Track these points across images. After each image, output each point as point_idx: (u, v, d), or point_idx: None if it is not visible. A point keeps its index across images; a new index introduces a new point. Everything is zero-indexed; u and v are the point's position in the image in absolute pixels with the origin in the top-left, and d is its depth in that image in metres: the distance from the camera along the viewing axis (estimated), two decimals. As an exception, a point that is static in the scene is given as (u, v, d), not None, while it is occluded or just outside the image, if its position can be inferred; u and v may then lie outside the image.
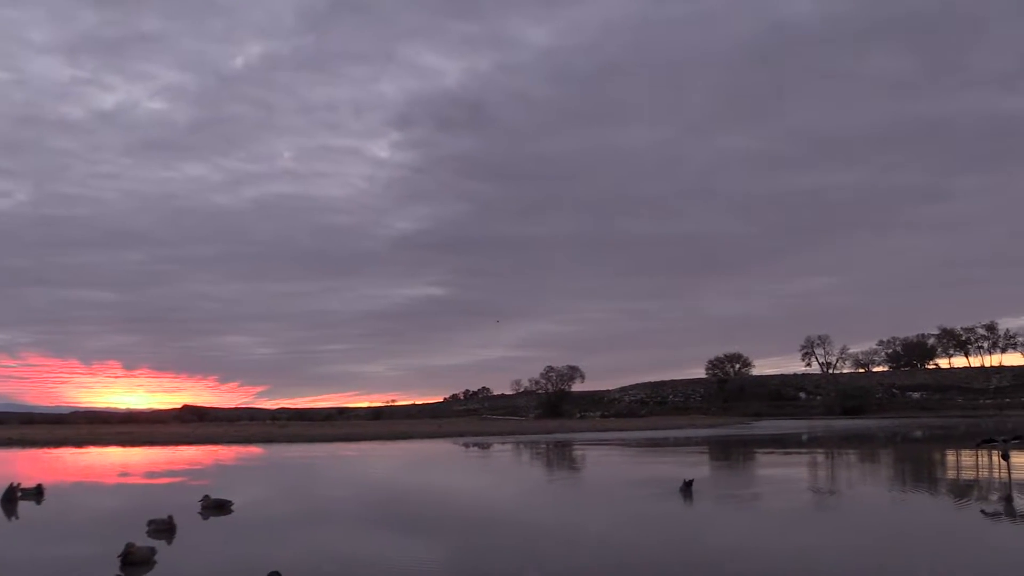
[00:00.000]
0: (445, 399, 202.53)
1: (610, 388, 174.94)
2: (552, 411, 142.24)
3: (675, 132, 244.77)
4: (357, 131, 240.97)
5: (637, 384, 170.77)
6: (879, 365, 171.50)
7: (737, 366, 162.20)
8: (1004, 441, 17.27)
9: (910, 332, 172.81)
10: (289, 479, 25.95)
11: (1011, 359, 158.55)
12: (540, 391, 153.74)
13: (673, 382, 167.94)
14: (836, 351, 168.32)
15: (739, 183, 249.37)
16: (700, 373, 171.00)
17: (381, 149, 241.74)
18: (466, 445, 50.80)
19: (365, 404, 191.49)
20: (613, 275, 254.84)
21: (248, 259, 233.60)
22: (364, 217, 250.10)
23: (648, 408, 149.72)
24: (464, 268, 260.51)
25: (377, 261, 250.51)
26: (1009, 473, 19.28)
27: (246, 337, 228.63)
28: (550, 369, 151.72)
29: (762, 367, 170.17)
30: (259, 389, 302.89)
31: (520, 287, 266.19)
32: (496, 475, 28.07)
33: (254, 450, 45.52)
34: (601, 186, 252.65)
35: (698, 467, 30.17)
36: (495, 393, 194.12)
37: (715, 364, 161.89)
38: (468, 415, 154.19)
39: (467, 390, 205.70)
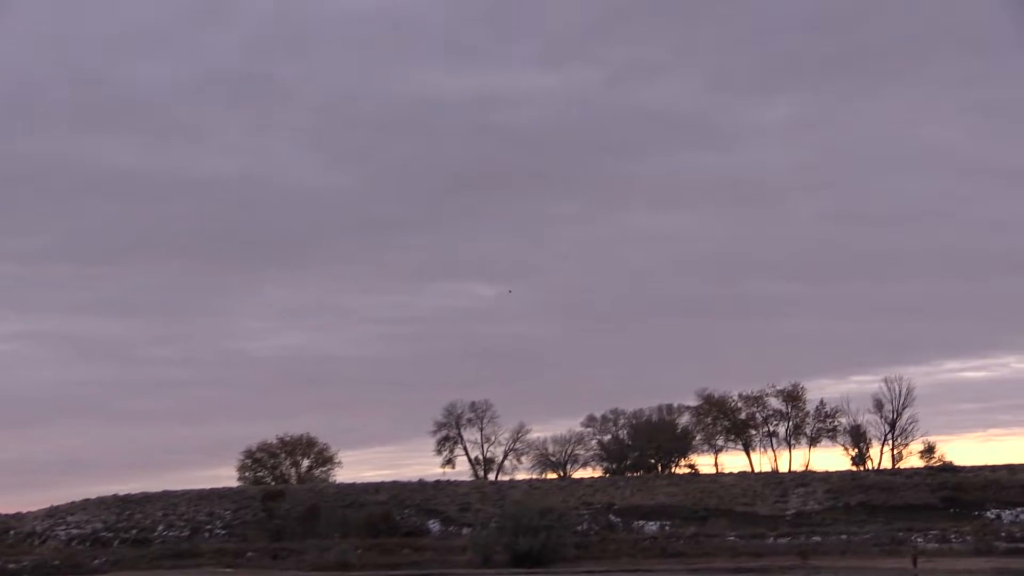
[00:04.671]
0: None
1: (24, 511, 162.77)
2: None
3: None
4: None
5: (92, 501, 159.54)
6: (586, 466, 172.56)
7: (304, 463, 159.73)
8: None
9: (645, 402, 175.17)
10: None
11: (826, 458, 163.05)
12: None
13: (169, 496, 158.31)
14: (503, 437, 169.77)
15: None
16: (229, 478, 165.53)
17: None
18: None
19: None
20: (34, 259, 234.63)
21: None
22: None
23: (114, 554, 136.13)
24: None
25: None
26: None
27: None
28: None
29: (357, 467, 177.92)
30: None
31: None
32: None
33: None
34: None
35: None
36: None
37: (257, 460, 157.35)
38: None
39: None
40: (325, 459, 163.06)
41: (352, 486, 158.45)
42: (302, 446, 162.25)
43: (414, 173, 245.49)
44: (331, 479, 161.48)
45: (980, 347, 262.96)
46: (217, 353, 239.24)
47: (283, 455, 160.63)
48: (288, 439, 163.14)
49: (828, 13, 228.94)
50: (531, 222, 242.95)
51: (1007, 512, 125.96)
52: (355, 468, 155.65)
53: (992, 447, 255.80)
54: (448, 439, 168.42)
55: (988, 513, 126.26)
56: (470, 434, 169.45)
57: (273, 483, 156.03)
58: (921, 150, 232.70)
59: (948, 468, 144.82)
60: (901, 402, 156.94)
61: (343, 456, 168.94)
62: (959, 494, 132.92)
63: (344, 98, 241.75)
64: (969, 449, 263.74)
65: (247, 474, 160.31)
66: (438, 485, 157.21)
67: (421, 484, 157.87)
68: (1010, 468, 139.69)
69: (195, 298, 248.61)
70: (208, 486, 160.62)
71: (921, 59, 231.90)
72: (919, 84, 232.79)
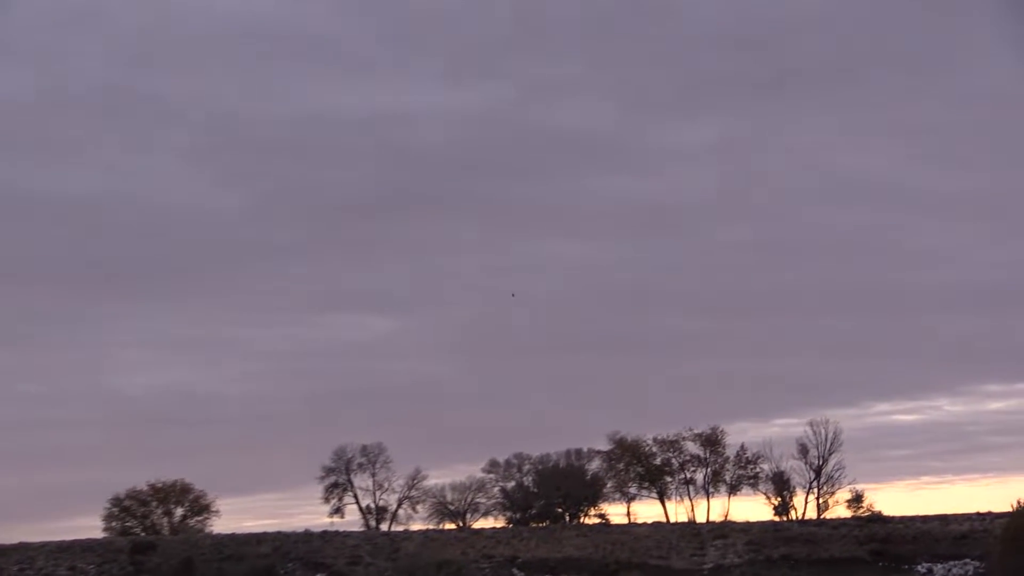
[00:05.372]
0: None
1: None
2: None
3: None
4: None
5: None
6: (488, 515, 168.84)
7: (178, 512, 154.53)
8: None
9: (552, 446, 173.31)
10: None
11: (746, 507, 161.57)
12: None
13: (26, 548, 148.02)
14: (397, 484, 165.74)
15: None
16: (94, 529, 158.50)
17: None
18: None
19: None
20: None
21: None
22: None
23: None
24: None
25: None
26: None
27: None
28: None
29: (237, 516, 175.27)
30: None
31: None
32: None
33: None
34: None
35: None
36: None
37: (125, 508, 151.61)
38: None
39: None
40: (201, 507, 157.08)
41: (232, 537, 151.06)
42: (176, 493, 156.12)
43: (306, 195, 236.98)
44: (208, 529, 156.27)
45: (911, 388, 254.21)
46: (84, 389, 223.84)
47: (154, 503, 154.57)
48: (160, 485, 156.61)
49: (750, 34, 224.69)
50: (431, 249, 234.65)
51: (939, 566, 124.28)
52: (235, 517, 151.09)
53: (923, 496, 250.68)
54: (337, 486, 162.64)
55: (919, 567, 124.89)
56: (361, 480, 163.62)
57: (143, 534, 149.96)
58: (846, 177, 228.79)
59: (877, 518, 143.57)
60: (827, 447, 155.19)
61: (222, 504, 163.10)
62: (888, 547, 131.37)
63: (231, 114, 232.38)
64: (899, 498, 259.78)
65: (114, 524, 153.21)
66: (326, 536, 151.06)
67: (307, 535, 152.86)
68: (942, 519, 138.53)
69: (61, 329, 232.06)
70: (70, 537, 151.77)
71: (848, 83, 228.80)
72: (846, 109, 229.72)
